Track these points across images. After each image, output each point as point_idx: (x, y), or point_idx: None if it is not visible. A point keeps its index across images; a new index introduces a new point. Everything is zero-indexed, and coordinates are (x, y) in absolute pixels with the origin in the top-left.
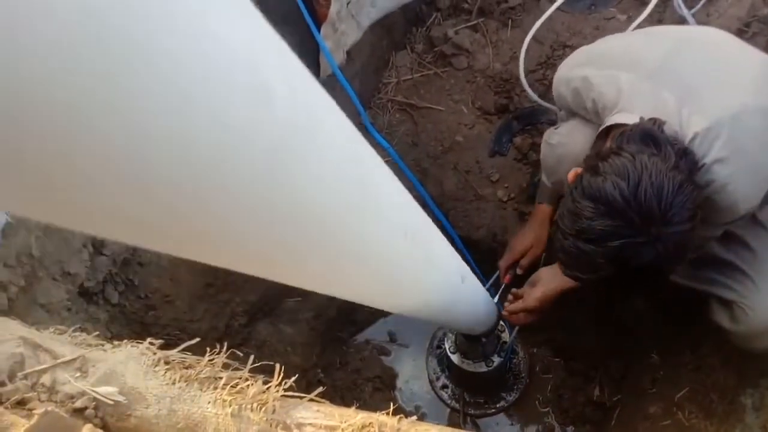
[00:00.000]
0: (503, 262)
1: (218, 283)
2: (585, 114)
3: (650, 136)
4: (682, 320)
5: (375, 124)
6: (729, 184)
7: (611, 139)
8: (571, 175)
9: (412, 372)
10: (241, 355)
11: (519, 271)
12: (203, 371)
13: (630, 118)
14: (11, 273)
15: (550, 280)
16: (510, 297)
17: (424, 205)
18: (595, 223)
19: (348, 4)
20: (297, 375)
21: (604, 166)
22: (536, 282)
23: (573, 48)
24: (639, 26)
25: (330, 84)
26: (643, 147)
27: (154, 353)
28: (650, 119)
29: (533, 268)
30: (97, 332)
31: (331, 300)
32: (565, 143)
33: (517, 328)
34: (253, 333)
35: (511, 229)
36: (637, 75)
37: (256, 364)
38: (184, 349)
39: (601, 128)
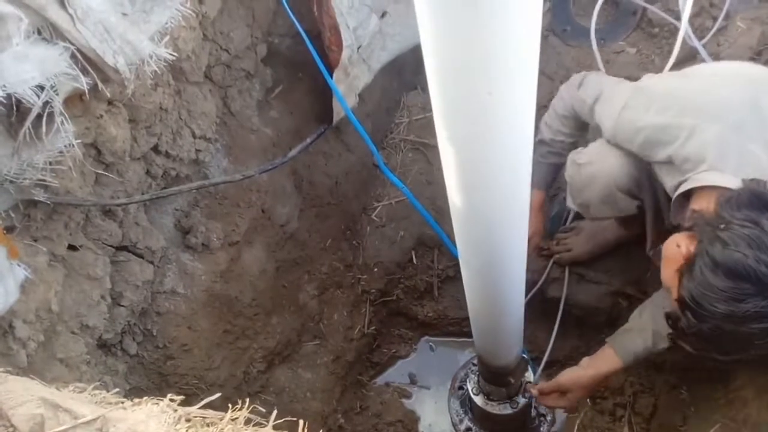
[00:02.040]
0: None
1: (236, 330)
2: (644, 155)
3: (765, 200)
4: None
5: (388, 164)
6: None
7: (716, 203)
8: (684, 252)
9: (434, 415)
10: (264, 410)
11: None
12: (225, 429)
13: (723, 178)
14: (30, 329)
15: (586, 365)
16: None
17: (441, 244)
18: (747, 305)
19: (359, 49)
20: (317, 422)
21: (733, 238)
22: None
23: None
24: (643, 57)
25: (343, 126)
26: (759, 213)
27: (175, 410)
28: (753, 180)
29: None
30: (117, 389)
31: (350, 342)
32: (595, 162)
33: (541, 366)
34: (271, 379)
35: (530, 264)
36: (723, 127)
37: (279, 421)
38: (205, 404)
39: (686, 186)
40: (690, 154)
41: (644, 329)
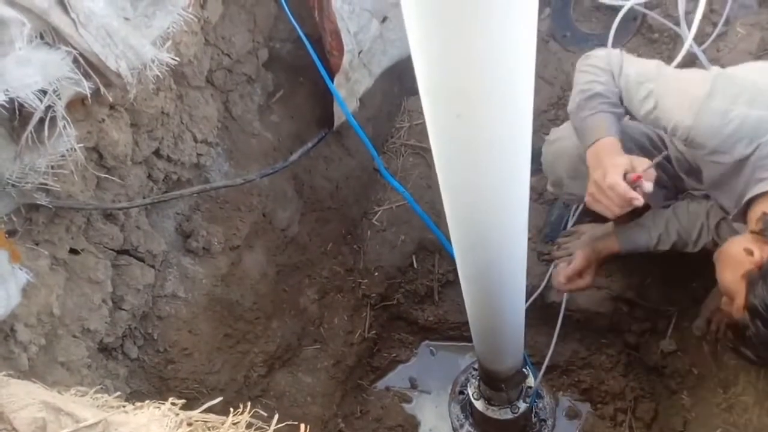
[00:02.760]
0: (620, 180)
1: (236, 334)
2: (719, 151)
3: None
4: (712, 359)
5: (389, 168)
6: None
7: None
8: (756, 258)
9: (435, 420)
10: (265, 414)
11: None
12: None
13: None
14: (32, 332)
15: (591, 243)
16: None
17: (442, 248)
18: None
19: (360, 53)
20: (318, 427)
21: None
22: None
23: None
24: None
25: (344, 130)
26: None
27: (176, 414)
28: None
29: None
30: (118, 392)
31: (350, 346)
32: (562, 137)
33: (542, 371)
34: (272, 383)
35: (530, 270)
36: None
37: (280, 425)
38: (206, 408)
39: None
40: None
41: (653, 228)
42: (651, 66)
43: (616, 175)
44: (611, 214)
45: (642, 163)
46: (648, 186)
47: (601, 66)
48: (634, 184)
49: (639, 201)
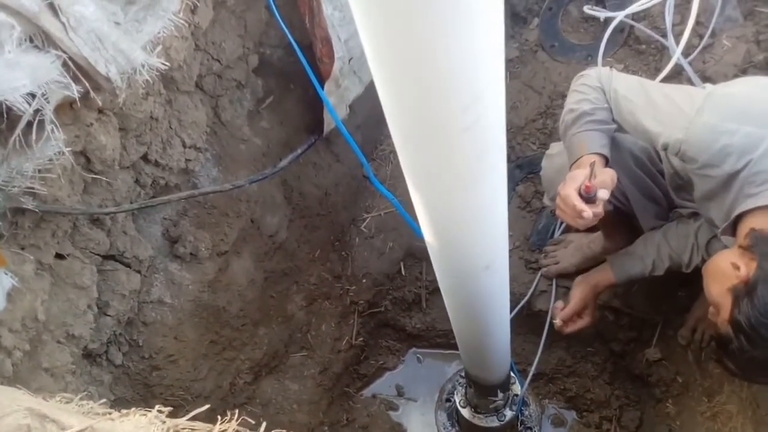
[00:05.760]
0: (571, 191)
1: (222, 341)
2: (708, 165)
3: None
4: (696, 367)
5: (378, 175)
6: None
7: None
8: (742, 274)
9: (422, 428)
10: (252, 422)
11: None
12: None
13: None
14: (16, 338)
15: (586, 279)
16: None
17: (429, 256)
18: None
19: (350, 61)
20: None
21: None
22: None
23: None
24: (630, 73)
25: (333, 137)
26: None
27: (163, 422)
28: None
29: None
30: (103, 399)
31: (337, 353)
32: (563, 152)
33: (528, 379)
34: (258, 391)
35: (517, 277)
36: None
37: None
38: (193, 415)
39: (761, 202)
40: (765, 167)
41: (646, 256)
42: (637, 82)
43: (570, 187)
44: (576, 225)
45: (603, 174)
46: (603, 193)
47: (592, 84)
48: (589, 195)
49: (587, 213)
